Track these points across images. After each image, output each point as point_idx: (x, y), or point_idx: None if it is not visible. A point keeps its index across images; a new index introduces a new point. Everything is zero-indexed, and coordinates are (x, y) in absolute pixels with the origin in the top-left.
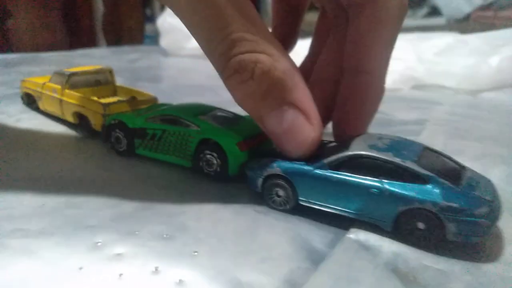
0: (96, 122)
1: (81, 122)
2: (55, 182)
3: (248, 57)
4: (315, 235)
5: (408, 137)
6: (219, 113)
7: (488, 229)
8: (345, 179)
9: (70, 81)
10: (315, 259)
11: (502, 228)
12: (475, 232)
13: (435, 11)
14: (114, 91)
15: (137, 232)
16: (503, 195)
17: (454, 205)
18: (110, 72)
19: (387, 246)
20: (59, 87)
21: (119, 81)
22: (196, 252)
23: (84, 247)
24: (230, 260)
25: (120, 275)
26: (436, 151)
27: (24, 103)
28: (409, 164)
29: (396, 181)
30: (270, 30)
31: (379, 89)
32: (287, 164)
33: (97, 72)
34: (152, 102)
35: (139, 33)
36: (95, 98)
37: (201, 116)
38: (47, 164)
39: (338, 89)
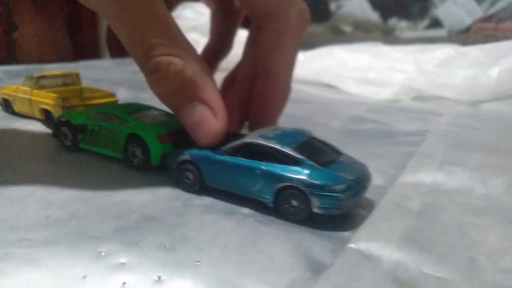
0: (56, 114)
1: (47, 118)
2: (58, 194)
3: (163, 59)
4: (317, 245)
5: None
6: (152, 112)
7: (346, 203)
8: (236, 162)
9: (39, 83)
10: (316, 269)
11: (501, 236)
12: (335, 205)
13: (436, 23)
14: (80, 91)
15: (140, 243)
16: (504, 205)
17: (317, 182)
18: (77, 75)
19: (388, 255)
20: (29, 89)
21: (122, 92)
22: (198, 262)
23: (88, 256)
24: (232, 270)
25: (124, 283)
26: (320, 141)
27: (2, 108)
28: (286, 149)
29: (274, 163)
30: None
31: (285, 89)
32: (195, 152)
33: (64, 75)
34: (110, 97)
35: None
36: (55, 94)
37: (134, 113)
38: (44, 176)
39: (252, 90)
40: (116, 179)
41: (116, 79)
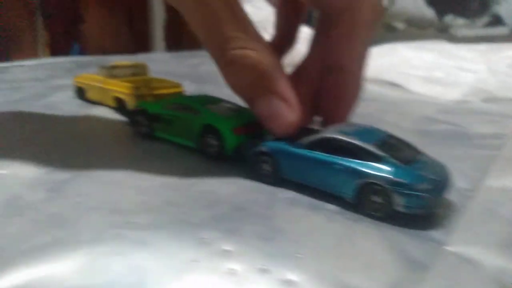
0: (129, 101)
1: (119, 106)
2: (149, 182)
3: (239, 52)
4: (411, 245)
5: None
6: (225, 104)
7: (429, 202)
8: (314, 156)
9: (111, 72)
10: (416, 269)
11: None
12: (419, 204)
13: (497, 20)
14: (149, 81)
15: (238, 232)
16: None
17: (400, 180)
18: (144, 66)
19: (490, 260)
20: (102, 78)
21: (186, 85)
22: (299, 254)
23: (192, 241)
24: (334, 264)
25: (231, 270)
26: (398, 139)
27: (76, 96)
28: (367, 146)
29: (355, 159)
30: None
31: (357, 85)
32: (272, 143)
33: (134, 65)
34: (177, 87)
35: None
36: (127, 83)
37: (208, 105)
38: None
39: (322, 85)
40: (198, 170)
41: (177, 72)
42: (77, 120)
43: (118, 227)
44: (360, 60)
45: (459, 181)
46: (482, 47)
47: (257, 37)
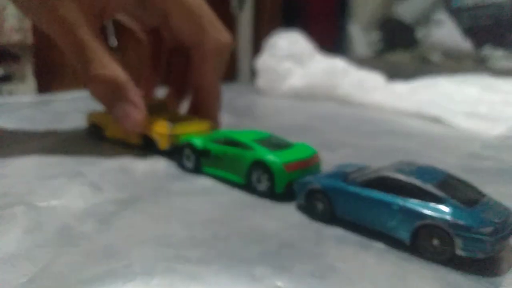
0: (162, 141)
1: (146, 144)
2: (195, 216)
3: (98, 71)
4: (466, 285)
5: None
6: (273, 140)
7: (493, 247)
8: (370, 195)
9: None
10: None
11: None
12: (481, 248)
13: None
14: (173, 119)
15: (289, 268)
16: None
17: (462, 223)
18: (165, 103)
19: None
20: None
21: (226, 118)
22: None
23: (243, 277)
24: None
25: None
26: (459, 179)
27: (91, 132)
28: (427, 186)
29: (414, 199)
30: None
31: (212, 98)
32: (326, 181)
33: (156, 103)
34: (206, 124)
35: (232, 71)
36: (160, 121)
37: (257, 140)
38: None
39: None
40: (242, 204)
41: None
42: (117, 153)
43: (169, 260)
44: (211, 79)
45: None
46: None
47: (111, 59)
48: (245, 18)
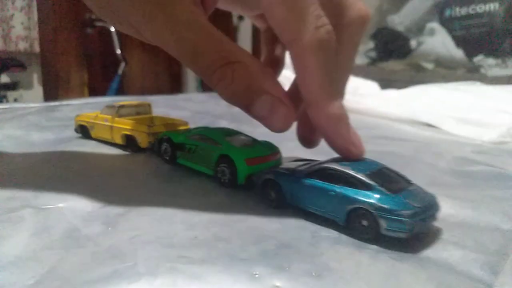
0: (142, 140)
1: (127, 143)
2: (197, 217)
3: (226, 68)
4: (458, 286)
5: None
6: (241, 137)
7: (411, 227)
8: (313, 184)
9: (119, 111)
10: None
11: None
12: (401, 228)
13: None
14: (152, 119)
15: (287, 268)
16: None
17: (385, 206)
18: (149, 105)
19: None
20: (110, 116)
21: (224, 124)
22: None
23: (244, 277)
24: None
25: None
26: (393, 171)
27: (78, 133)
28: (358, 175)
29: (348, 187)
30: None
31: (322, 114)
32: (277, 172)
33: (139, 105)
34: (184, 124)
35: None
36: (139, 121)
37: (226, 137)
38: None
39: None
40: (243, 206)
41: (214, 112)
42: (122, 156)
43: (172, 261)
44: (319, 90)
45: (502, 223)
46: None
47: (236, 50)
48: (246, 28)
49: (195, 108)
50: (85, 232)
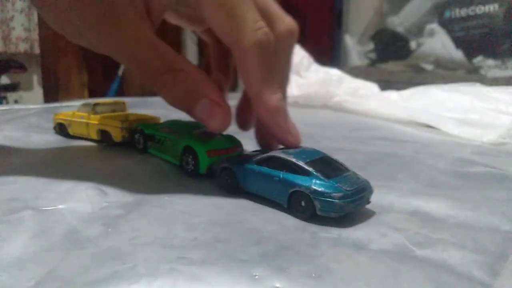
0: (116, 134)
1: (102, 138)
2: (197, 218)
3: (167, 75)
4: (457, 287)
5: None
6: (205, 130)
7: (341, 208)
8: (262, 171)
9: (95, 109)
10: None
11: None
12: (333, 209)
13: None
14: (126, 115)
15: (287, 269)
16: None
17: (320, 189)
18: (123, 103)
19: None
20: (86, 114)
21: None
22: None
23: (244, 278)
24: None
25: None
26: (333, 159)
27: (56, 132)
28: (299, 163)
29: (289, 173)
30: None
31: (263, 106)
32: (233, 161)
33: (114, 103)
34: (155, 120)
35: (233, 81)
36: (113, 118)
37: (192, 130)
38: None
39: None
40: (243, 208)
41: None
42: (122, 158)
43: (172, 262)
44: (258, 85)
45: (502, 224)
46: None
47: (177, 59)
48: None
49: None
50: (85, 233)
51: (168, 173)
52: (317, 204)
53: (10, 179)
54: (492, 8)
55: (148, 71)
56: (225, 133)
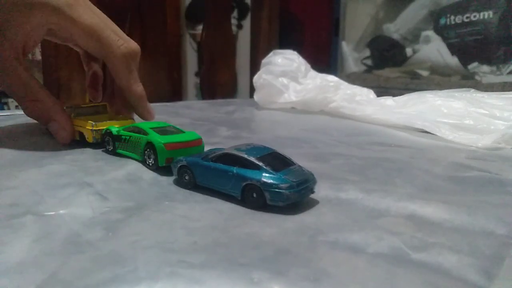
0: (88, 136)
1: (80, 138)
2: (196, 223)
3: (27, 103)
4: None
5: None
6: (168, 128)
7: (288, 198)
8: (217, 167)
9: (76, 111)
10: None
11: None
12: (280, 199)
13: None
14: (100, 119)
15: (285, 273)
16: None
17: (268, 181)
18: (105, 106)
19: None
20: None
21: (224, 131)
22: None
23: (243, 281)
24: None
25: None
26: (281, 155)
27: (45, 132)
28: (250, 158)
29: (242, 168)
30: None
31: (135, 96)
32: (190, 158)
33: (95, 105)
34: (129, 121)
35: (232, 88)
36: (88, 120)
37: (154, 128)
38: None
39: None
40: (241, 213)
41: (213, 119)
42: (123, 163)
43: (172, 265)
44: (130, 81)
45: (497, 227)
46: None
47: (38, 91)
48: (244, 39)
49: (195, 115)
50: (86, 237)
51: (168, 179)
52: (267, 195)
53: (12, 184)
54: (486, 15)
55: (17, 97)
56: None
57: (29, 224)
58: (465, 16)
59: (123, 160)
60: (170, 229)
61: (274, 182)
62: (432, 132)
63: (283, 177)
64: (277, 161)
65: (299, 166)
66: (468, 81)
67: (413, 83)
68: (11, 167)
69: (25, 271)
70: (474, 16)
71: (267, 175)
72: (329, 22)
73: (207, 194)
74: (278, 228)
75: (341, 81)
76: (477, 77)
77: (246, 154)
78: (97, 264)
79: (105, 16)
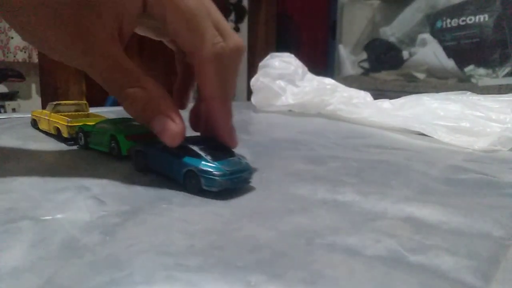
0: (63, 131)
1: (58, 133)
2: (194, 226)
3: (130, 90)
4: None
5: None
6: (131, 123)
7: (220, 184)
8: (165, 153)
9: (55, 108)
10: None
11: None
12: (214, 185)
13: None
14: (86, 116)
15: (282, 276)
16: None
17: (205, 169)
18: (86, 104)
19: None
20: (48, 112)
21: None
22: None
23: (240, 284)
24: None
25: None
26: (223, 146)
27: (32, 126)
28: (193, 148)
29: (186, 156)
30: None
31: (215, 111)
32: (145, 146)
33: (75, 104)
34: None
35: None
36: (64, 116)
37: (119, 124)
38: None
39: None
40: (239, 216)
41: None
42: (120, 167)
43: (169, 268)
44: (214, 91)
45: (494, 230)
46: (508, 97)
47: (141, 76)
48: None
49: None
50: (83, 242)
51: (165, 182)
52: (202, 181)
53: (8, 188)
54: (482, 18)
55: (114, 86)
56: None
57: (26, 228)
58: (461, 20)
59: (120, 164)
60: (167, 232)
61: (209, 169)
62: (428, 135)
63: (220, 166)
64: (219, 152)
65: (239, 158)
66: (464, 83)
67: (409, 85)
68: (7, 171)
69: (21, 277)
70: (470, 20)
71: (205, 163)
72: (326, 25)
73: (204, 197)
74: (275, 231)
75: (338, 84)
76: (473, 80)
77: (190, 144)
78: (94, 268)
79: (211, 2)
